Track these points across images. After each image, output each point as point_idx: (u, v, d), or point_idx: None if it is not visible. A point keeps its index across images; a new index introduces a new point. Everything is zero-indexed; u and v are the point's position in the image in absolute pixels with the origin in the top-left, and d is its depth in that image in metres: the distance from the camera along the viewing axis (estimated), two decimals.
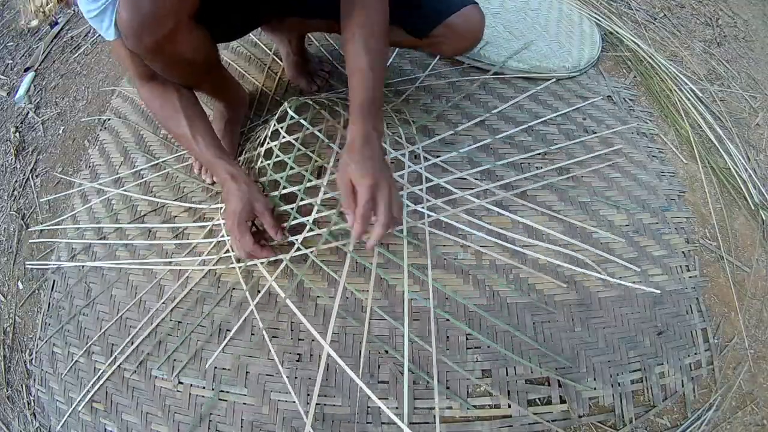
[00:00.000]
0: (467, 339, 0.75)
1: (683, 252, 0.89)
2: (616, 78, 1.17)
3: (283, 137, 0.88)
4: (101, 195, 0.99)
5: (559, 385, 0.73)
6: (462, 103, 1.04)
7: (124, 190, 0.98)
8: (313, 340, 0.75)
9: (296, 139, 0.89)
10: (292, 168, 0.87)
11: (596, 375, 0.75)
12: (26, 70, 1.37)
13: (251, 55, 1.18)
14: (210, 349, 0.76)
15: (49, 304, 0.89)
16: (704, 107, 1.15)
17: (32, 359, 0.85)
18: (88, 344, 0.81)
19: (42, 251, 0.96)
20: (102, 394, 0.77)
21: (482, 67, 1.12)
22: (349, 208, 0.68)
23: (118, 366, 0.78)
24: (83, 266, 0.89)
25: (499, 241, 0.84)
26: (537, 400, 0.72)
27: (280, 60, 1.15)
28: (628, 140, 1.02)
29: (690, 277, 0.86)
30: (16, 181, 1.10)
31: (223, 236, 0.85)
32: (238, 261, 0.82)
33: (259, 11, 0.84)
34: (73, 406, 0.77)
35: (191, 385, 0.75)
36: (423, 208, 0.85)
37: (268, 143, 0.90)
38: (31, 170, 1.11)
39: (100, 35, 0.70)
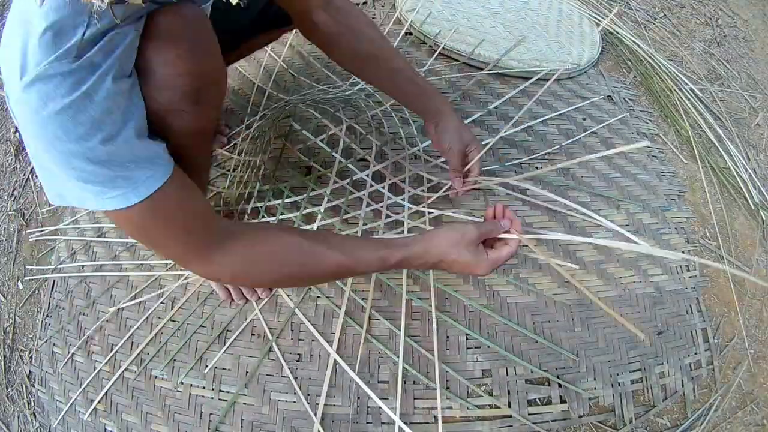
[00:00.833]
0: (467, 339, 0.75)
1: (683, 252, 0.89)
2: (616, 78, 1.17)
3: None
4: None
5: (559, 385, 0.73)
6: (462, 103, 1.05)
7: None
8: (313, 340, 0.75)
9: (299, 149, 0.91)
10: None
11: (596, 375, 0.75)
12: None
13: None
14: (211, 350, 0.76)
15: (49, 304, 0.88)
16: (704, 107, 1.15)
17: (32, 359, 0.85)
18: (88, 344, 0.81)
19: (42, 251, 0.96)
20: (102, 394, 0.77)
21: (481, 66, 1.12)
22: (456, 170, 0.73)
23: (119, 366, 0.78)
24: (83, 270, 0.89)
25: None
26: (537, 400, 0.72)
27: (277, 56, 1.15)
28: (628, 140, 1.02)
29: (690, 277, 0.86)
30: (16, 181, 1.10)
31: None
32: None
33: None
34: (69, 405, 0.77)
35: (191, 385, 0.75)
36: (424, 207, 0.85)
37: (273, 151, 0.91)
38: (31, 170, 1.11)
39: None
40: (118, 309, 0.82)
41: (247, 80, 1.13)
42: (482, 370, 0.74)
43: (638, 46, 1.24)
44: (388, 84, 0.75)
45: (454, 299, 0.78)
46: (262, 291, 0.79)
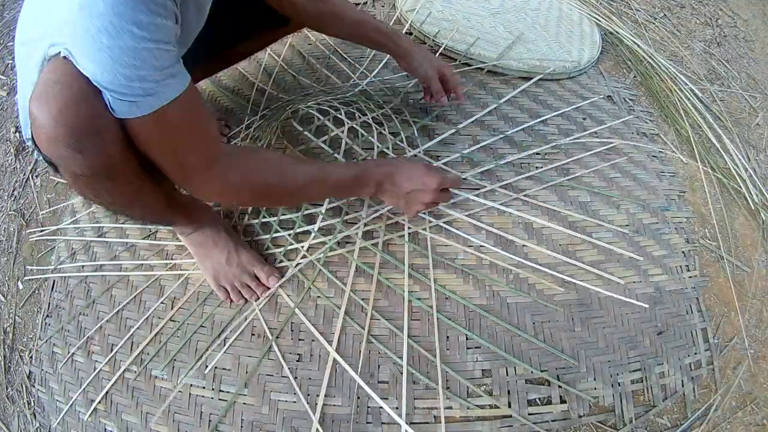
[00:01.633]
0: (467, 339, 0.75)
1: (683, 252, 0.89)
2: (616, 78, 1.17)
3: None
4: None
5: (559, 385, 0.73)
6: (462, 102, 1.04)
7: None
8: (313, 340, 0.75)
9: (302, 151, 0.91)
10: None
11: (596, 375, 0.75)
12: None
13: None
14: (211, 350, 0.76)
15: (49, 304, 0.88)
16: (704, 107, 1.15)
17: (32, 359, 0.85)
18: (88, 344, 0.81)
19: (42, 251, 0.96)
20: (102, 394, 0.77)
21: (479, 65, 1.12)
22: (439, 91, 0.86)
23: (119, 366, 0.78)
24: (83, 270, 0.89)
25: (501, 236, 0.84)
26: (537, 400, 0.72)
27: (277, 56, 1.15)
28: (628, 140, 1.02)
29: (690, 277, 0.86)
30: (16, 181, 1.10)
31: None
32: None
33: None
34: (69, 405, 0.77)
35: (191, 385, 0.75)
36: None
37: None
38: (31, 170, 1.11)
39: None
40: (118, 308, 0.82)
41: (247, 80, 1.13)
42: (482, 370, 0.74)
43: (638, 46, 1.24)
44: (355, 35, 0.86)
45: (455, 300, 0.78)
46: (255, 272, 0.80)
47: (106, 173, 0.49)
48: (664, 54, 1.27)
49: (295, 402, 0.72)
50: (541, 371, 0.73)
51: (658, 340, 0.79)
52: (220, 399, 0.73)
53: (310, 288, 0.79)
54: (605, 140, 1.00)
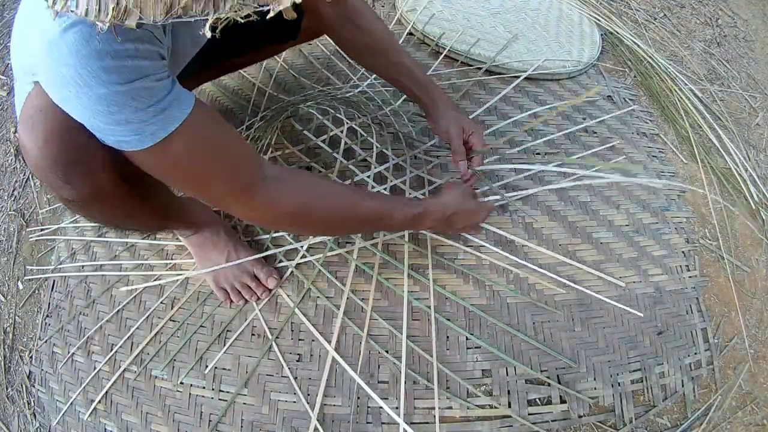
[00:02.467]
0: (467, 339, 0.75)
1: (683, 252, 0.89)
2: (616, 78, 1.17)
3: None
4: None
5: (559, 385, 0.73)
6: (461, 103, 1.05)
7: None
8: (313, 340, 0.75)
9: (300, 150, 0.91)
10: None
11: (596, 375, 0.75)
12: None
13: None
14: (211, 350, 0.76)
15: (49, 304, 0.88)
16: (704, 107, 1.15)
17: (32, 359, 0.85)
18: (88, 344, 0.81)
19: (42, 251, 0.96)
20: (102, 394, 0.77)
21: (478, 65, 1.12)
22: (457, 152, 0.79)
23: (119, 366, 0.78)
24: (83, 270, 0.89)
25: (501, 236, 0.84)
26: (537, 400, 0.72)
27: (278, 57, 1.15)
28: (628, 140, 1.02)
29: (690, 277, 0.86)
30: (16, 181, 1.10)
31: None
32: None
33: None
34: (69, 405, 0.77)
35: (191, 385, 0.75)
36: None
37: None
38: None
39: None
40: (118, 306, 0.82)
41: (247, 81, 1.13)
42: (482, 370, 0.73)
43: (638, 46, 1.24)
44: (388, 76, 0.83)
45: (454, 300, 0.78)
46: (269, 279, 0.79)
47: (94, 199, 0.48)
48: (664, 54, 1.27)
49: (294, 402, 0.72)
50: (541, 371, 0.73)
51: (658, 340, 0.79)
52: (220, 399, 0.73)
53: (309, 288, 0.79)
54: (605, 140, 1.00)
